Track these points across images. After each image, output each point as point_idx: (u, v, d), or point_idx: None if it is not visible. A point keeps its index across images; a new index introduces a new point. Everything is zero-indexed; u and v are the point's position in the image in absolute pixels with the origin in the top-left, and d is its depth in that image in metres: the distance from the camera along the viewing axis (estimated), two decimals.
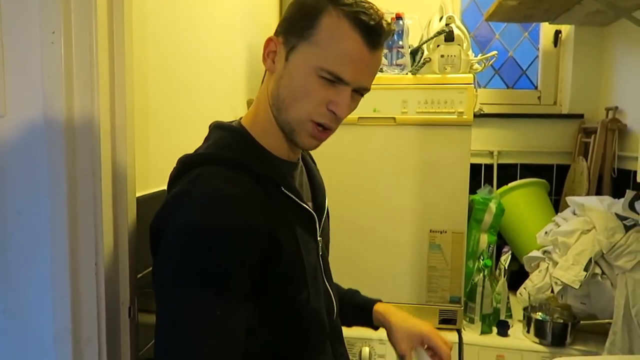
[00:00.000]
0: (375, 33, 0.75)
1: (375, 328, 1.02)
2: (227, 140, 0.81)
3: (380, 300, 1.03)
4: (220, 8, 1.32)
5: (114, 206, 0.72)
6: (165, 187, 0.81)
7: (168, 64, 1.00)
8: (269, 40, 0.80)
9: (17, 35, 0.64)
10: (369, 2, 0.77)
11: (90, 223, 0.68)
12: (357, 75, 0.76)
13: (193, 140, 0.88)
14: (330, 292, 0.91)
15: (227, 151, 0.78)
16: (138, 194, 0.82)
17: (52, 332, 0.68)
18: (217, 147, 0.80)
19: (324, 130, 0.79)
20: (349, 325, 1.04)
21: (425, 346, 0.93)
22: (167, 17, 0.98)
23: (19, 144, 0.66)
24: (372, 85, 0.81)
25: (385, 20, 0.76)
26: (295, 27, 0.77)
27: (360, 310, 1.03)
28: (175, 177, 0.77)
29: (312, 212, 0.84)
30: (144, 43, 0.88)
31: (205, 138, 0.84)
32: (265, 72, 0.82)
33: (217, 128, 0.84)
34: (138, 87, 0.82)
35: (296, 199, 0.80)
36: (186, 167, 0.76)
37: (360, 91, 0.79)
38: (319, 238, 0.87)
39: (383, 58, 1.60)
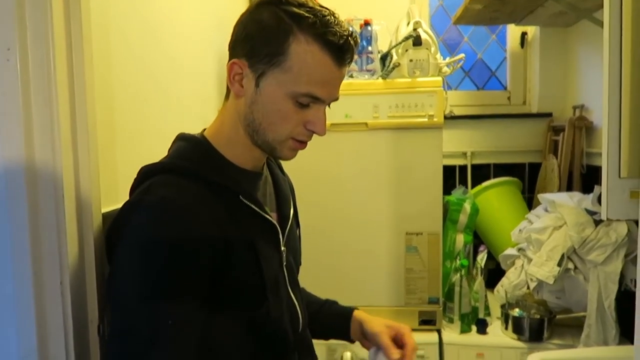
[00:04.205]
0: (344, 51, 0.77)
1: (352, 341, 1.00)
2: (185, 151, 0.81)
3: (356, 308, 1.02)
4: (187, 18, 1.31)
5: (78, 223, 0.71)
6: None
7: (134, 78, 0.99)
8: (233, 63, 0.78)
9: None
10: (330, 12, 0.76)
11: (53, 242, 0.67)
12: (330, 92, 0.79)
13: (161, 152, 0.87)
14: (296, 303, 0.89)
15: (184, 161, 0.79)
16: (105, 210, 0.81)
17: (17, 355, 0.66)
18: (174, 157, 0.81)
19: (303, 143, 0.82)
20: (326, 337, 1.04)
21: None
22: (130, 29, 0.97)
23: None
24: (343, 92, 0.84)
25: (351, 37, 0.77)
26: (260, 52, 0.76)
27: (338, 318, 1.01)
28: (134, 188, 0.78)
29: (274, 222, 0.84)
30: (106, 57, 0.87)
31: (168, 149, 0.85)
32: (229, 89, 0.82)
33: (178, 139, 0.85)
34: (101, 102, 0.81)
35: (256, 209, 0.80)
36: (143, 177, 0.77)
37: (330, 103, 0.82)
38: (282, 248, 0.86)
39: (353, 64, 1.62)
